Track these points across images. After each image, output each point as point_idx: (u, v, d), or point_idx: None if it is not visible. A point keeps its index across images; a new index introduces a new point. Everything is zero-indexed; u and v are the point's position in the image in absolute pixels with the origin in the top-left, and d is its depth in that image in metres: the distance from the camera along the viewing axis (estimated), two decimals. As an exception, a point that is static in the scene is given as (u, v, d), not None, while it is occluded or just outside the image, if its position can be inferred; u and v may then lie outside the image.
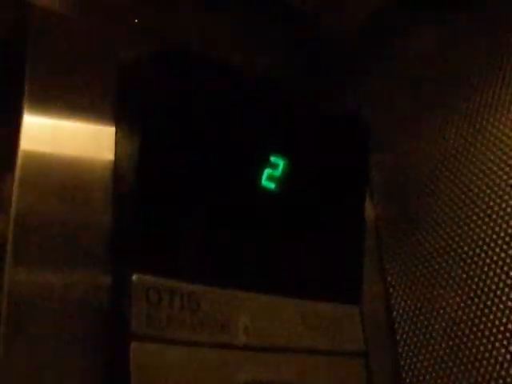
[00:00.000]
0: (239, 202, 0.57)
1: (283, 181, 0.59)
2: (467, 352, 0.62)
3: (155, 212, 0.53)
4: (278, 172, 0.59)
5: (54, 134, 0.54)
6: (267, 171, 0.58)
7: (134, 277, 0.50)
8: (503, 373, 0.58)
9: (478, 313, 0.61)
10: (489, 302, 0.61)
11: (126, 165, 0.55)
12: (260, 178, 0.58)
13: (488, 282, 0.62)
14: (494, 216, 0.63)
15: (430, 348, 0.64)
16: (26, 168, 0.51)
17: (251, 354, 0.54)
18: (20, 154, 0.51)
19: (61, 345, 0.48)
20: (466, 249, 0.64)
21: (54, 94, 0.55)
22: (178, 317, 0.51)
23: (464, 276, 0.64)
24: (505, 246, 0.61)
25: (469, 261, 0.64)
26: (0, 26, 0.56)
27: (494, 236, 0.63)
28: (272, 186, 0.58)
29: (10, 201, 0.50)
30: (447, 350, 0.63)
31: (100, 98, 0.58)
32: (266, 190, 0.58)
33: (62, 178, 0.53)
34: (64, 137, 0.55)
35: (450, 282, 0.64)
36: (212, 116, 0.56)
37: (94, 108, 0.57)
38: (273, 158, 0.59)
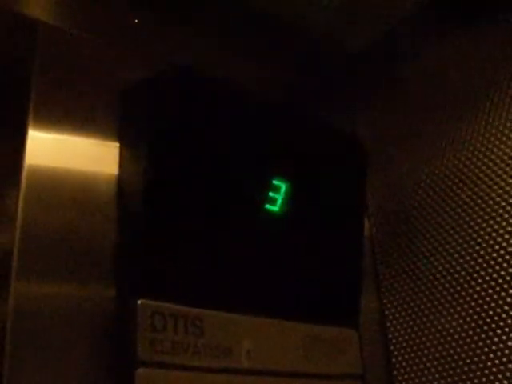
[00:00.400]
0: (244, 224, 0.57)
1: (285, 203, 0.59)
2: (464, 376, 0.62)
3: (159, 235, 0.53)
4: (280, 195, 0.59)
5: (59, 150, 0.54)
6: (270, 194, 0.58)
7: (139, 302, 0.50)
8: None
9: (476, 338, 0.62)
10: (487, 326, 0.62)
11: (130, 182, 0.55)
12: (263, 201, 0.58)
13: (486, 304, 0.62)
14: (494, 234, 0.64)
15: (426, 372, 0.65)
16: (31, 182, 0.51)
17: (253, 378, 0.54)
18: (25, 169, 0.51)
19: (65, 362, 0.48)
20: (463, 271, 0.65)
21: (58, 110, 0.55)
22: (182, 342, 0.51)
23: (461, 298, 0.64)
24: (505, 265, 0.62)
25: (466, 285, 0.64)
26: (8, 43, 0.55)
27: (493, 255, 0.63)
28: (275, 208, 0.58)
29: (16, 215, 0.50)
30: (444, 374, 0.64)
31: (104, 115, 0.58)
32: (269, 213, 0.58)
33: (66, 193, 0.53)
34: (68, 152, 0.55)
35: (447, 305, 0.65)
36: (214, 138, 0.56)
37: (97, 124, 0.57)
38: (275, 182, 0.59)
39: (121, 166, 0.56)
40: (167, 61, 0.58)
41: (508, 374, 0.59)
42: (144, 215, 0.52)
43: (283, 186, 0.59)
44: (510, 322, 0.60)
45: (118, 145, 0.57)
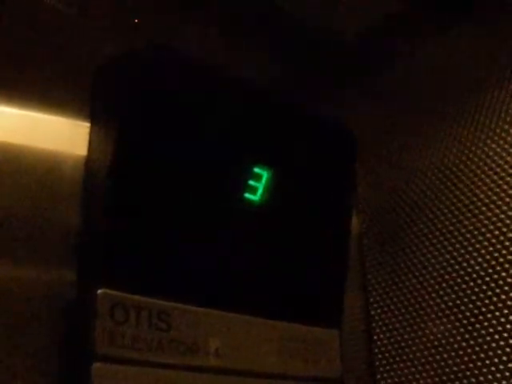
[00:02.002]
0: (218, 213, 0.53)
1: (266, 193, 0.55)
2: (448, 382, 0.59)
3: (126, 220, 0.49)
4: (261, 184, 0.55)
5: (24, 126, 0.51)
6: (250, 182, 0.55)
7: (99, 291, 0.46)
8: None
9: (461, 343, 0.59)
10: (472, 331, 0.58)
11: (97, 164, 0.52)
12: (242, 189, 0.54)
13: (475, 308, 0.59)
14: (485, 238, 0.61)
15: (411, 377, 0.61)
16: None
17: (222, 377, 0.51)
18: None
19: (18, 348, 0.45)
20: (453, 274, 0.61)
21: (26, 85, 0.52)
22: (145, 336, 0.47)
23: (450, 302, 0.61)
24: (494, 272, 0.58)
25: (456, 287, 0.61)
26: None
27: (484, 260, 0.60)
28: (255, 198, 0.55)
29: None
30: (428, 379, 0.60)
31: (76, 93, 0.54)
32: (248, 203, 0.54)
33: (30, 172, 0.50)
34: (35, 129, 0.52)
35: (435, 308, 0.62)
36: (189, 118, 0.52)
37: (68, 102, 0.54)
38: (256, 169, 0.55)
39: (90, 147, 0.53)
40: (145, 39, 0.54)
41: (493, 379, 0.55)
42: (110, 199, 0.49)
43: (265, 175, 0.56)
44: (496, 327, 0.57)
45: (88, 125, 0.54)
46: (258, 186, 0.55)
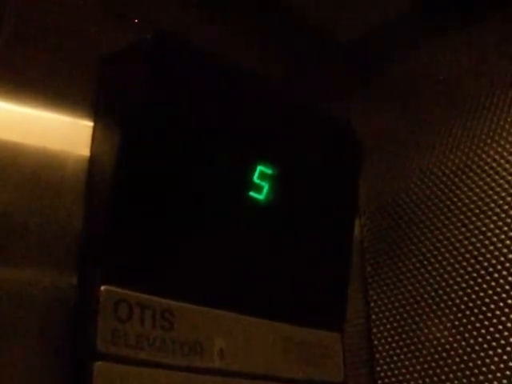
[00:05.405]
0: (223, 212, 0.52)
1: (271, 192, 0.54)
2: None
3: (130, 217, 0.48)
4: (267, 182, 0.54)
5: (25, 123, 0.49)
6: (256, 180, 0.54)
7: (103, 288, 0.45)
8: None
9: (464, 343, 0.58)
10: (476, 331, 0.58)
11: (101, 164, 0.50)
12: (247, 188, 0.53)
13: (476, 308, 0.58)
14: (486, 238, 0.60)
15: (410, 378, 0.60)
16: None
17: (225, 380, 0.49)
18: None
19: (18, 350, 0.43)
20: (453, 274, 0.61)
21: (27, 79, 0.50)
22: (148, 335, 0.46)
23: (450, 302, 0.60)
24: (495, 271, 0.58)
25: (456, 287, 0.60)
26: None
27: (485, 259, 0.59)
28: (260, 197, 0.54)
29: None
30: (428, 380, 0.59)
31: (80, 89, 0.52)
32: (253, 201, 0.53)
33: (30, 171, 0.48)
34: (36, 127, 0.49)
35: (436, 308, 0.61)
36: (196, 114, 0.51)
37: (72, 99, 0.52)
38: (261, 168, 0.54)
39: (93, 147, 0.51)
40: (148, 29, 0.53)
41: (494, 379, 0.55)
42: (116, 189, 0.47)
43: (271, 173, 0.55)
44: (497, 327, 0.57)
45: (92, 124, 0.52)
46: (264, 184, 0.54)
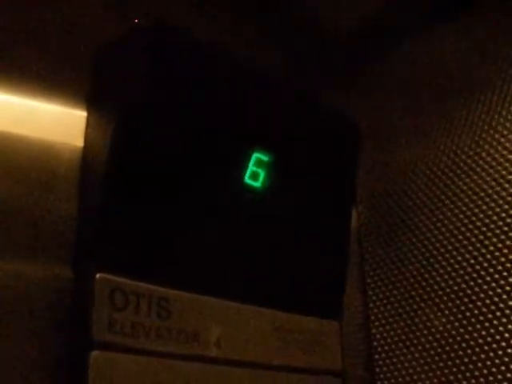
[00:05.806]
0: (220, 200, 0.52)
1: (268, 179, 0.54)
2: (448, 374, 0.58)
3: (126, 205, 0.47)
4: (264, 169, 0.54)
5: (19, 113, 0.49)
6: (252, 168, 0.53)
7: (98, 276, 0.44)
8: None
9: (466, 336, 0.58)
10: (478, 324, 0.57)
11: (95, 154, 0.50)
12: (243, 174, 0.53)
13: (478, 301, 0.58)
14: (484, 229, 0.60)
15: (411, 370, 0.60)
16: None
17: (222, 368, 0.49)
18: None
19: (12, 345, 0.43)
20: (455, 266, 0.60)
21: (20, 69, 0.49)
22: (144, 323, 0.45)
23: (452, 294, 0.60)
24: (498, 263, 0.57)
25: (458, 279, 0.60)
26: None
27: (484, 251, 0.59)
28: (256, 184, 0.53)
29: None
30: (430, 374, 0.59)
31: (73, 79, 0.52)
32: (249, 189, 0.53)
33: (23, 162, 0.48)
34: (29, 117, 0.49)
35: (437, 299, 0.60)
36: (192, 102, 0.50)
37: (66, 89, 0.51)
38: (258, 155, 0.54)
39: (86, 137, 0.51)
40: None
41: (497, 372, 0.54)
42: (109, 184, 0.47)
43: (267, 160, 0.54)
44: (500, 319, 0.56)
45: (85, 114, 0.52)
46: (260, 171, 0.54)
